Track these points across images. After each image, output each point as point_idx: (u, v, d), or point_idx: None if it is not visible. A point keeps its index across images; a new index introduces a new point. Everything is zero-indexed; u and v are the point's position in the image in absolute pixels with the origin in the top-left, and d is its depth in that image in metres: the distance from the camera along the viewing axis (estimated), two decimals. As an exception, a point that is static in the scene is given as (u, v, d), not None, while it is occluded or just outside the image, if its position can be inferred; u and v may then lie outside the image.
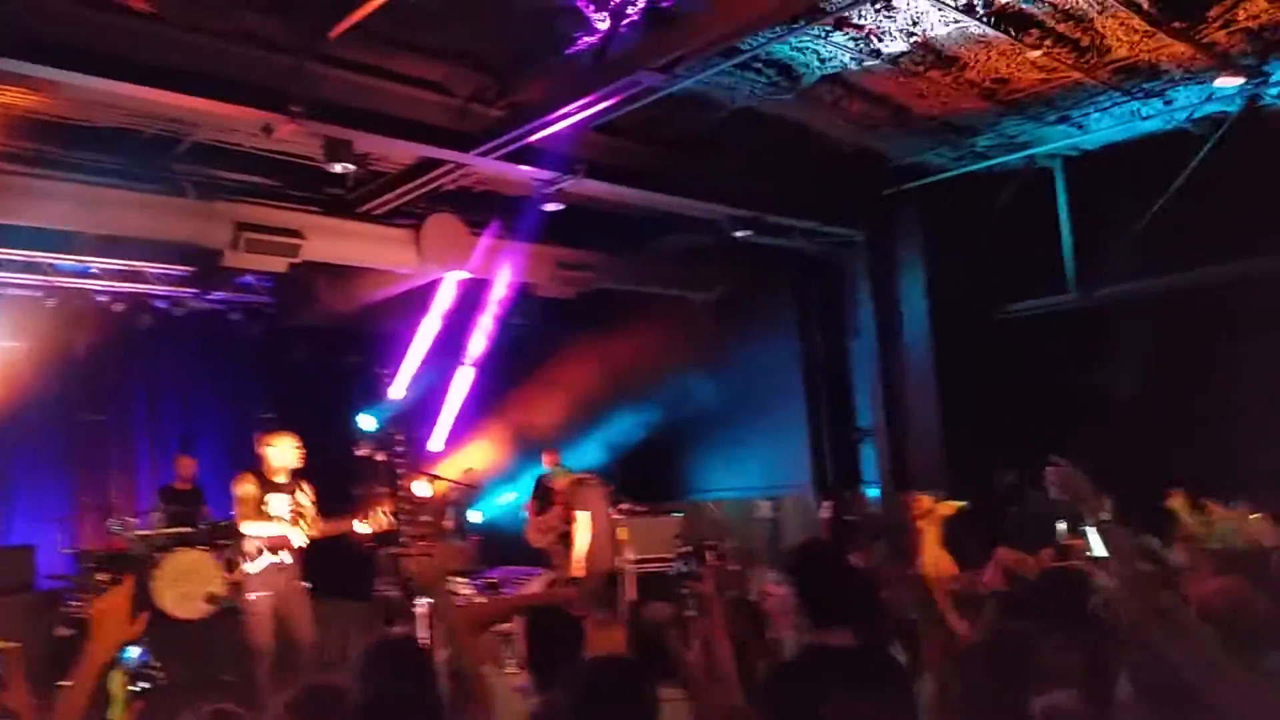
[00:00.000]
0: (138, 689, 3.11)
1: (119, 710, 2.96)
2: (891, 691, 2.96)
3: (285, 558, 6.92)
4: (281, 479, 7.03)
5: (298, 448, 7.15)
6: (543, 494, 10.19)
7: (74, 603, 8.63)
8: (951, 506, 5.02)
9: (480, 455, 12.00)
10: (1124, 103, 8.07)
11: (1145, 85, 7.71)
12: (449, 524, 10.67)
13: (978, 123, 8.51)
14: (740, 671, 3.31)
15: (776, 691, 3.04)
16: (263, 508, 6.88)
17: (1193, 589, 3.21)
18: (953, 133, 8.72)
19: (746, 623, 4.15)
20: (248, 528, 6.88)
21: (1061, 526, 6.66)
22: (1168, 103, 8.06)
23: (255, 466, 7.06)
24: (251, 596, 6.82)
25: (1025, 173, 9.52)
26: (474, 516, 11.32)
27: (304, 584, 7.09)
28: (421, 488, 10.48)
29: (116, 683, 3.02)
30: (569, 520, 9.40)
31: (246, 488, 6.90)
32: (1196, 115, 8.29)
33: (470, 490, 10.89)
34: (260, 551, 6.87)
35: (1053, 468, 2.97)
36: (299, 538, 6.96)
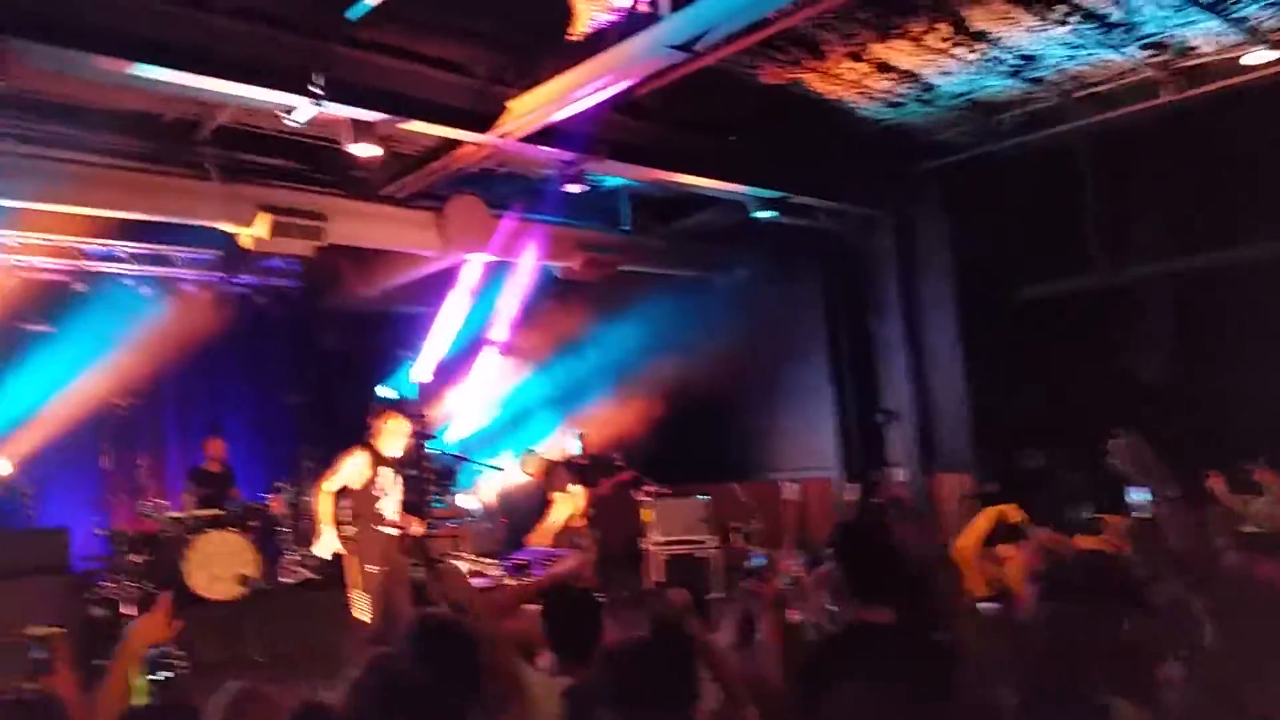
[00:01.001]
0: (159, 678, 3.14)
1: (141, 697, 3.01)
2: (931, 670, 2.93)
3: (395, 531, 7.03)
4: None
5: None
6: (569, 476, 10.22)
7: (107, 584, 8.74)
8: (1017, 514, 4.92)
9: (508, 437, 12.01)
10: (1152, 80, 7.93)
11: (1174, 63, 7.59)
12: (477, 506, 10.74)
13: (1003, 100, 8.39)
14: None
15: (817, 668, 3.02)
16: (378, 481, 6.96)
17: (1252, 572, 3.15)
18: (978, 110, 8.60)
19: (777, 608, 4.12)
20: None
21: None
22: (1196, 80, 7.90)
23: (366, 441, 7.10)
24: (369, 569, 6.87)
25: (1052, 151, 9.38)
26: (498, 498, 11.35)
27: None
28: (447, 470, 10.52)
29: (137, 673, 3.08)
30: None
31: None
32: (1226, 92, 8.12)
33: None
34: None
35: (1116, 439, 2.92)
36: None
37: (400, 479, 7.17)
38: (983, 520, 4.80)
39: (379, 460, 6.99)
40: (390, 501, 7.05)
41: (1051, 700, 2.51)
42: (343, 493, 6.99)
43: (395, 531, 7.06)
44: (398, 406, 9.49)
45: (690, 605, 3.12)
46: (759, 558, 9.76)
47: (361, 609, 6.82)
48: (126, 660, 2.89)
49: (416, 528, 7.60)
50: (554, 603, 3.50)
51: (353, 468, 6.91)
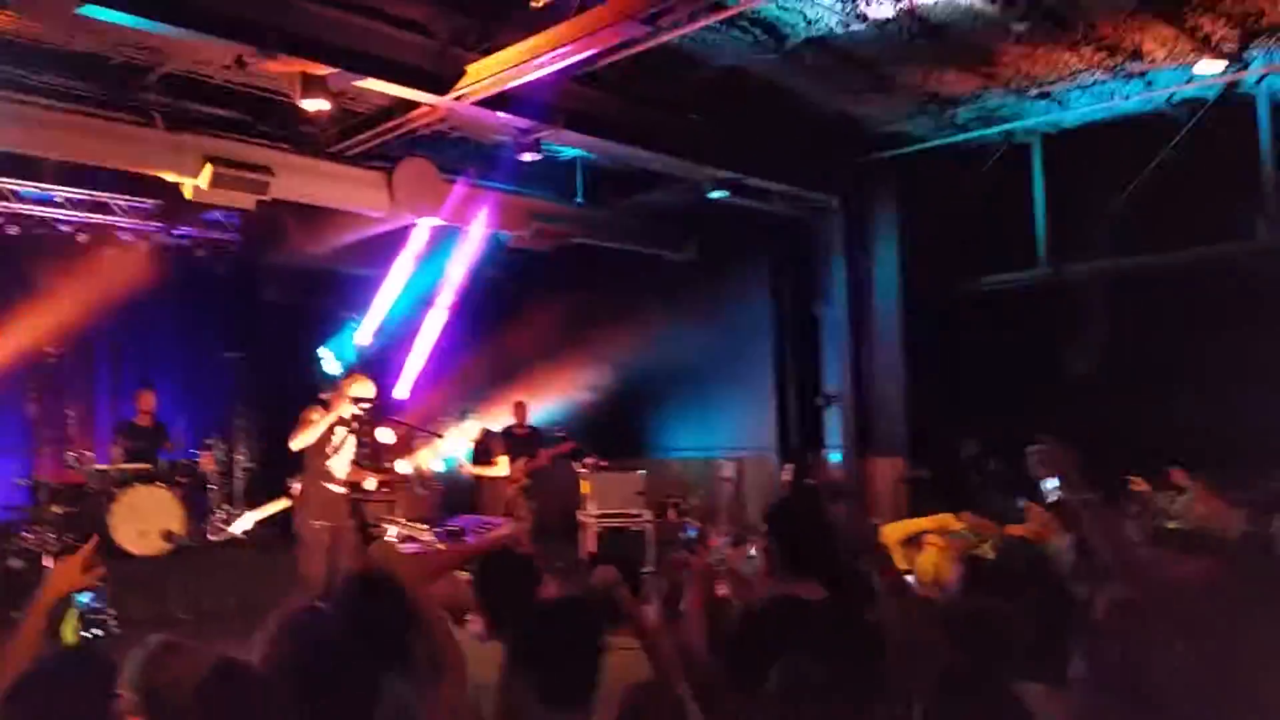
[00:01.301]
0: (89, 634, 3.11)
1: (70, 638, 2.96)
2: (858, 648, 2.98)
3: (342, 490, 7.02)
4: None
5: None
6: (509, 446, 10.21)
7: (27, 535, 8.54)
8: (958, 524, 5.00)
9: (447, 404, 11.94)
10: (1105, 82, 8.11)
11: (1128, 66, 7.74)
12: (412, 473, 10.67)
13: (959, 94, 8.50)
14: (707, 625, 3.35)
15: (744, 640, 3.05)
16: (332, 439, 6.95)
17: (1169, 570, 3.25)
18: (934, 103, 8.71)
19: (706, 579, 4.17)
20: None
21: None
22: (1148, 84, 8.10)
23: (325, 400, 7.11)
24: (315, 524, 6.86)
25: (1003, 147, 9.54)
26: (436, 466, 11.30)
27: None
28: (385, 435, 10.43)
29: (69, 627, 3.03)
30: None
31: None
32: (1175, 99, 8.34)
33: (433, 439, 10.86)
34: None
35: (1038, 446, 2.98)
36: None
37: (353, 438, 7.12)
38: (926, 522, 4.90)
39: (336, 420, 6.94)
40: (341, 460, 7.02)
41: (966, 684, 2.58)
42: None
43: (343, 490, 7.02)
44: (341, 372, 9.44)
45: (618, 578, 3.14)
46: (691, 530, 9.88)
47: (307, 564, 6.77)
48: (42, 607, 2.80)
49: (370, 481, 7.56)
50: (489, 567, 3.49)
51: (316, 426, 6.87)
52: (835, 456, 10.87)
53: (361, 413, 7.13)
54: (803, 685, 2.40)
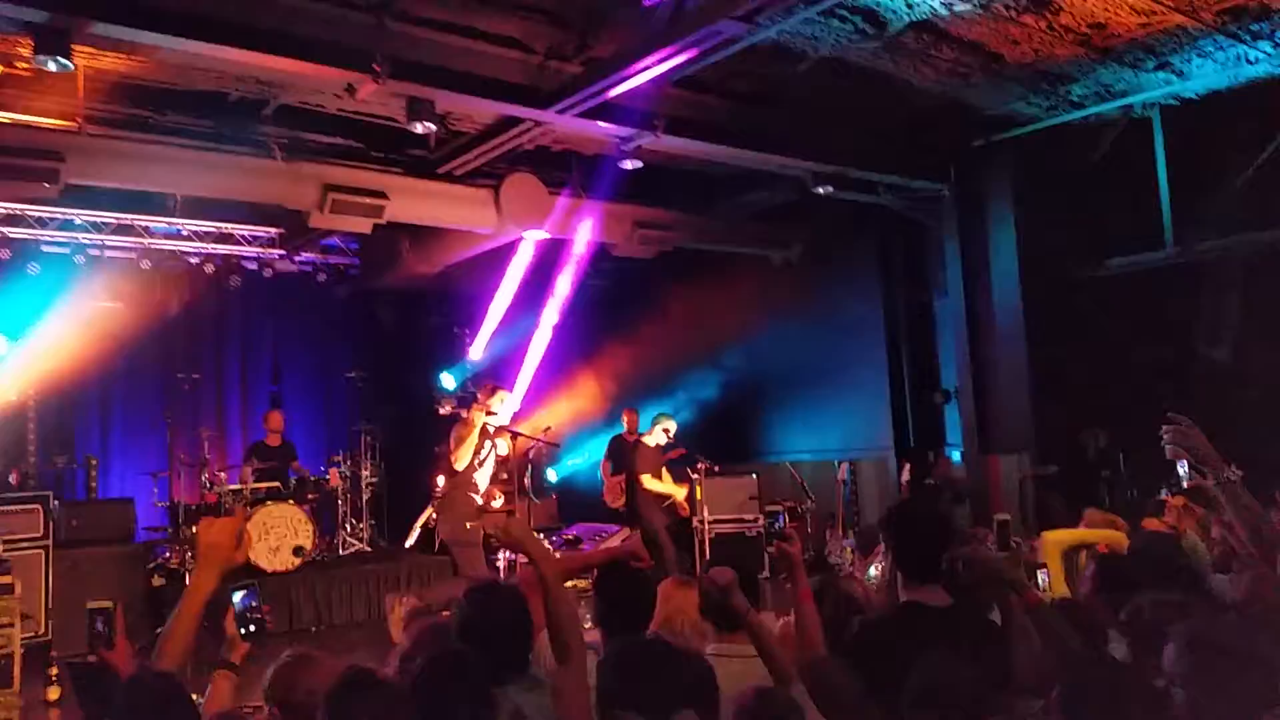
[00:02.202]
0: (247, 630, 3.21)
1: (231, 650, 3.08)
2: (986, 651, 2.89)
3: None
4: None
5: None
6: (618, 454, 10.25)
7: (169, 555, 8.96)
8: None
9: (559, 413, 12.07)
10: (1229, 46, 7.66)
11: (1254, 26, 7.30)
12: (528, 482, 10.80)
13: (1072, 70, 8.16)
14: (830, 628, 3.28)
15: (868, 648, 2.99)
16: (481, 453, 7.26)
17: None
18: (1046, 81, 8.39)
19: (825, 583, 4.09)
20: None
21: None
22: (1277, 45, 7.63)
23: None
24: (468, 525, 7.11)
25: (1122, 123, 9.13)
26: (551, 475, 11.42)
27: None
28: (501, 445, 10.59)
29: (229, 623, 3.14)
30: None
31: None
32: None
33: (550, 449, 10.96)
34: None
35: (1169, 425, 2.84)
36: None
37: (494, 452, 7.33)
38: (1093, 534, 4.70)
39: (484, 433, 7.16)
40: (484, 474, 7.23)
41: (1097, 675, 2.47)
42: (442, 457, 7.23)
43: (482, 501, 7.21)
44: (459, 399, 9.66)
45: (733, 582, 3.10)
46: (779, 517, 9.72)
47: (468, 565, 6.97)
48: (199, 592, 2.72)
49: (499, 499, 7.76)
50: (608, 580, 3.50)
51: (469, 440, 7.07)
52: (955, 455, 10.58)
53: (500, 425, 7.36)
54: (937, 690, 2.33)
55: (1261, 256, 8.52)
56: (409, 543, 10.09)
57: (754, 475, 10.23)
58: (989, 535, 4.80)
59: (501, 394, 7.37)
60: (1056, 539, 4.85)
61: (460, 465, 7.07)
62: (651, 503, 9.36)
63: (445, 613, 3.77)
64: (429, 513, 8.50)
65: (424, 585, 8.61)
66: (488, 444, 7.29)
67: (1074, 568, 4.79)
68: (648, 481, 9.28)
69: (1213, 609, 3.12)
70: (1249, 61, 7.85)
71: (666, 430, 9.46)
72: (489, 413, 7.19)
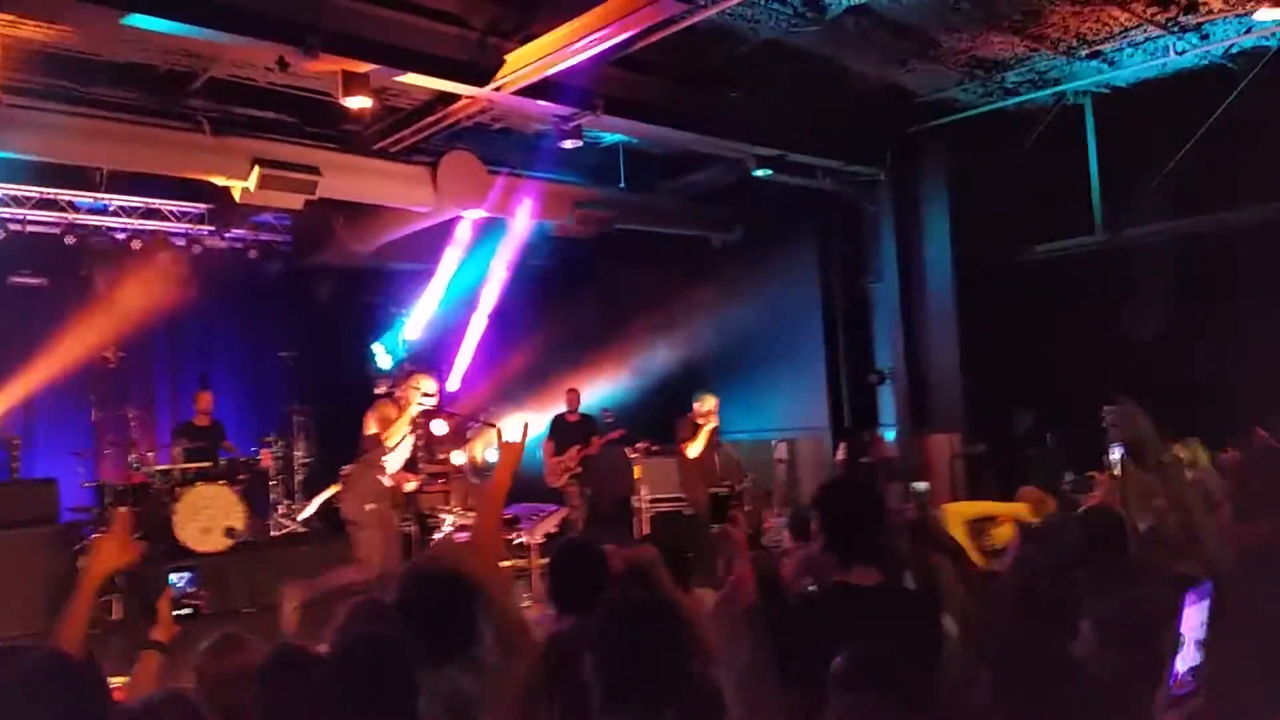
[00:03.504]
0: (183, 612, 3.18)
1: (162, 630, 3.05)
2: (915, 629, 2.93)
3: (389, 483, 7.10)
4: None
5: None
6: (560, 433, 10.25)
7: (94, 535, 8.74)
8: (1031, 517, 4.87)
9: (498, 392, 12.00)
10: (1158, 38, 7.86)
11: (1181, 19, 7.50)
12: (467, 464, 10.74)
13: (1007, 58, 8.31)
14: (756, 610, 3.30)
15: (796, 629, 3.01)
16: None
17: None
18: (981, 68, 8.52)
19: (766, 563, 4.12)
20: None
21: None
22: (1204, 37, 7.84)
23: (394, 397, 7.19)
24: (367, 507, 6.92)
25: (1054, 110, 9.31)
26: (490, 456, 11.35)
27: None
28: (439, 426, 10.52)
29: (163, 605, 3.12)
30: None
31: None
32: (1234, 51, 8.07)
33: (486, 429, 10.91)
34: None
35: (1112, 405, 2.90)
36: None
37: (411, 437, 7.21)
38: (998, 507, 4.79)
39: (400, 418, 7.04)
40: (398, 456, 7.08)
41: (1028, 653, 2.52)
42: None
43: (390, 483, 7.09)
44: (394, 378, 9.56)
45: (656, 560, 3.10)
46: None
47: (363, 546, 6.84)
48: (88, 586, 2.87)
49: (411, 484, 7.65)
50: (561, 556, 3.48)
51: (401, 422, 6.95)
52: (889, 434, 10.75)
53: (427, 409, 7.25)
54: (866, 673, 2.36)
55: (1186, 243, 8.77)
56: (303, 515, 9.94)
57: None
58: (912, 507, 4.89)
59: (425, 378, 7.22)
60: (959, 510, 4.93)
61: (390, 443, 6.97)
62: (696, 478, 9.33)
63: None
64: (334, 489, 8.33)
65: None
66: (402, 430, 7.12)
67: (980, 541, 4.89)
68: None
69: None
70: (1177, 52, 8.06)
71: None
72: (425, 395, 7.10)
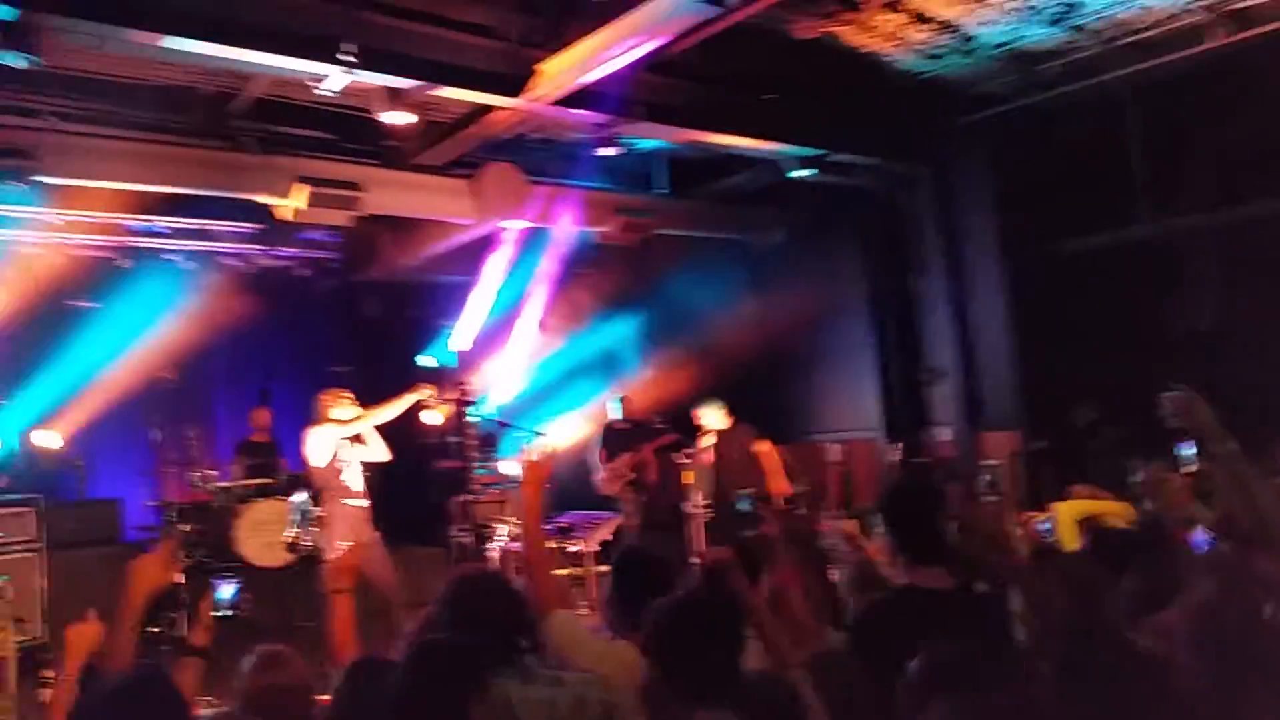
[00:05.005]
0: (222, 614, 3.27)
1: (201, 634, 3.13)
2: (990, 632, 2.89)
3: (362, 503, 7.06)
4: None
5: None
6: (611, 440, 10.24)
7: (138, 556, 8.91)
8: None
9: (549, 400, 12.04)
10: (1199, 24, 7.66)
11: (1223, 4, 7.31)
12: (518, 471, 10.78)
13: (1046, 49, 8.16)
14: (811, 614, 3.27)
15: (870, 633, 2.98)
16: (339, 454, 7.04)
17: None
18: (1020, 60, 8.38)
19: (814, 566, 4.09)
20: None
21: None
22: (1244, 23, 7.62)
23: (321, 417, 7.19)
24: (339, 545, 6.93)
25: (1096, 100, 9.13)
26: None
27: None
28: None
29: (203, 608, 3.22)
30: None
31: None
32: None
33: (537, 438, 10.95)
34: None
35: (1171, 395, 2.81)
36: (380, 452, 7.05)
37: (357, 449, 7.12)
38: (1108, 506, 4.69)
39: (339, 424, 7.02)
40: (354, 472, 7.04)
41: (1088, 637, 2.47)
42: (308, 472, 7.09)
43: (364, 504, 7.04)
44: (436, 375, 9.61)
45: (733, 559, 3.09)
46: (742, 501, 9.65)
47: (330, 582, 6.88)
48: (132, 606, 3.04)
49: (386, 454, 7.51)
50: (623, 565, 3.48)
51: (319, 445, 6.94)
52: (945, 433, 10.58)
53: (445, 419, 7.22)
54: (943, 673, 2.32)
55: (1233, 230, 8.54)
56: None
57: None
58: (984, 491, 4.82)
59: (339, 395, 7.24)
60: (1070, 509, 4.84)
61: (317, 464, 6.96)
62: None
63: None
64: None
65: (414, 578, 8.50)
66: (344, 444, 7.11)
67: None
68: None
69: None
70: (1221, 36, 7.85)
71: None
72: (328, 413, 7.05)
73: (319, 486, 7.15)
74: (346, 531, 6.92)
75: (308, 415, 11.41)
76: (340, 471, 6.99)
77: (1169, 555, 3.29)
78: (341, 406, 7.13)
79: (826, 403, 11.58)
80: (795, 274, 11.40)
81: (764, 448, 9.42)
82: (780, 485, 9.30)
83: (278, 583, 8.58)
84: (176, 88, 7.78)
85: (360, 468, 7.16)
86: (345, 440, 7.06)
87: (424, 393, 7.48)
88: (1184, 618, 2.31)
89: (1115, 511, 4.88)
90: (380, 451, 7.19)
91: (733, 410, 9.63)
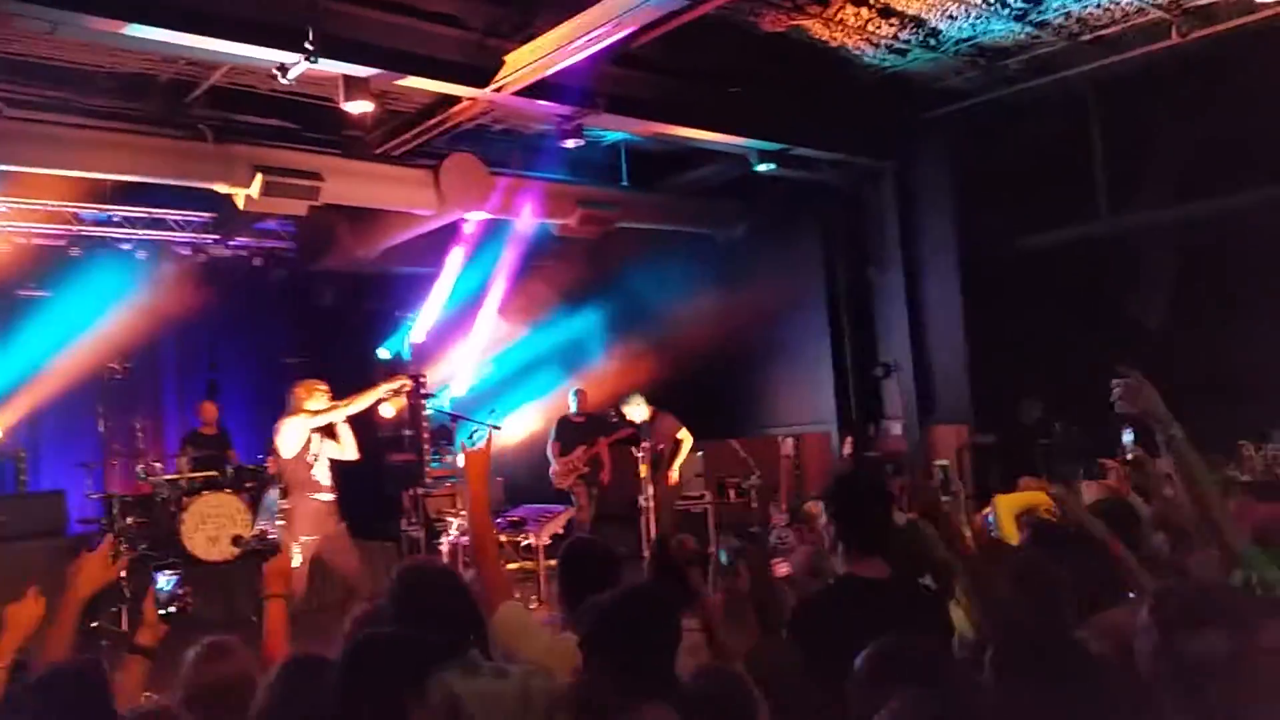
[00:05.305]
0: (168, 612, 3.22)
1: (147, 633, 3.07)
2: (926, 623, 2.92)
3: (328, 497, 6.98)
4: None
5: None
6: (566, 434, 10.23)
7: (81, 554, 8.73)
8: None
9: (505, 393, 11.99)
10: (1162, 21, 7.81)
11: (1184, 2, 7.46)
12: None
13: (1010, 45, 8.28)
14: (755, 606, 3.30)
15: (808, 624, 3.00)
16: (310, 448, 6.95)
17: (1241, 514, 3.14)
18: (984, 56, 8.50)
19: (760, 559, 4.09)
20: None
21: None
22: (1207, 19, 7.79)
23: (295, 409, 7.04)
24: (301, 539, 6.82)
25: (1057, 97, 9.27)
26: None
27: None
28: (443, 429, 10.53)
29: (148, 606, 3.16)
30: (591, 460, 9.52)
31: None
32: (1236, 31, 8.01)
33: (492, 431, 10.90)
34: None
35: (1121, 380, 2.85)
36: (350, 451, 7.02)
37: (327, 443, 7.07)
38: (1041, 497, 4.75)
39: (311, 414, 6.92)
40: (322, 467, 6.98)
41: (1031, 633, 2.52)
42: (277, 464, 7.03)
43: (330, 498, 6.99)
44: (392, 367, 9.52)
45: (695, 554, 3.09)
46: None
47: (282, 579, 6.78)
48: (73, 603, 3.01)
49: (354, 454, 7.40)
50: (570, 558, 3.46)
51: (292, 433, 6.87)
52: (896, 427, 10.71)
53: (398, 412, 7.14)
54: (890, 668, 2.34)
55: (1191, 227, 8.73)
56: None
57: (699, 453, 10.26)
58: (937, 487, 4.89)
59: (314, 387, 7.09)
60: (1009, 502, 4.91)
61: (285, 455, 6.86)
62: None
63: None
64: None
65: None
66: (314, 437, 6.95)
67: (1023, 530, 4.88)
68: None
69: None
70: (1180, 36, 8.01)
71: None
72: (304, 405, 6.95)
73: (286, 479, 7.06)
74: (310, 526, 6.83)
75: (257, 407, 11.36)
76: (310, 466, 6.90)
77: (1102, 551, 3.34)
78: (317, 399, 7.02)
79: (781, 396, 11.66)
80: (756, 268, 11.44)
81: (685, 435, 9.52)
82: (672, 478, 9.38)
83: (224, 577, 8.47)
84: (133, 75, 7.61)
85: (328, 462, 7.08)
86: (316, 434, 6.97)
87: (397, 383, 7.37)
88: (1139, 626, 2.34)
89: (1049, 501, 4.97)
90: (350, 450, 7.11)
91: (654, 401, 9.65)
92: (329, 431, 7.02)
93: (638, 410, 9.37)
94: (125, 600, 7.40)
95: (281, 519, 7.09)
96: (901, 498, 3.95)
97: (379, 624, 2.85)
